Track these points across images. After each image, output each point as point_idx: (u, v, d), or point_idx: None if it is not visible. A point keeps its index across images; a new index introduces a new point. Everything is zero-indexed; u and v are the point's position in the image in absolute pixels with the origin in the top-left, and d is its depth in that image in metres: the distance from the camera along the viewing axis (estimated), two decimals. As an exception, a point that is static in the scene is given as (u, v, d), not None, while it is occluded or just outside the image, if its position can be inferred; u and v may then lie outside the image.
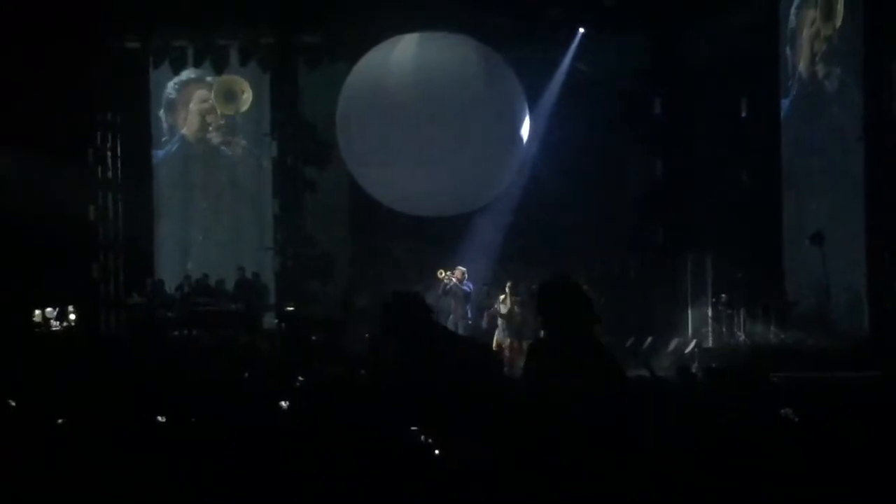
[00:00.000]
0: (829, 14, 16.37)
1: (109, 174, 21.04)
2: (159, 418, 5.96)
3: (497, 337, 16.51)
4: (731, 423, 4.50)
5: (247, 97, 22.06)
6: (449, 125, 19.37)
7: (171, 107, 22.09)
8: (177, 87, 22.01)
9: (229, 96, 22.11)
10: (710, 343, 16.98)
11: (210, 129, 22.20)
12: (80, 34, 19.27)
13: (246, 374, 9.03)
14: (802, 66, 17.15)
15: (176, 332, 19.13)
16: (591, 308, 4.98)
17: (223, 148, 22.27)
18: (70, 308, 18.44)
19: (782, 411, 4.84)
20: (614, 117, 20.71)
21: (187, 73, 21.91)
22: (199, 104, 22.07)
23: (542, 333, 5.07)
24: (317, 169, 21.85)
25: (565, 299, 4.94)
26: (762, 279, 17.55)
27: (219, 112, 22.15)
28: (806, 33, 16.96)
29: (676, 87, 19.97)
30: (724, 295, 17.49)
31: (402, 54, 19.89)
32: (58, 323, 18.44)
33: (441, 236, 20.39)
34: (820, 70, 16.74)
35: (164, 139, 22.13)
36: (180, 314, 19.64)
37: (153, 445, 5.30)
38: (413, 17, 19.84)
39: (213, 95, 22.04)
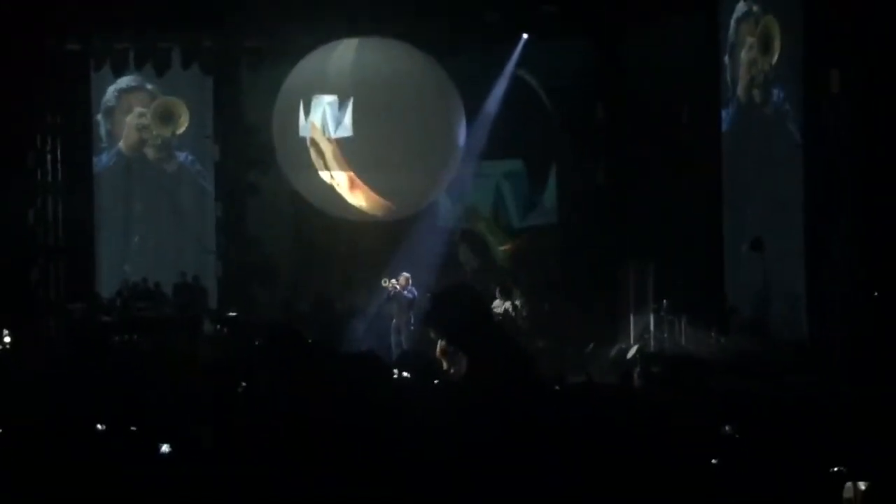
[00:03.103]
0: (766, 48, 16.54)
1: (49, 178, 20.80)
2: (99, 426, 5.90)
3: (441, 343, 16.51)
4: (671, 435, 4.54)
5: (183, 120, 21.96)
6: (385, 131, 19.33)
7: (110, 113, 21.88)
8: (116, 94, 21.81)
9: (166, 118, 22.00)
10: (651, 349, 17.09)
11: (147, 145, 22.08)
12: (19, 36, 19.05)
13: (188, 380, 8.95)
14: (740, 89, 17.34)
15: (117, 338, 18.93)
16: (486, 316, 4.61)
17: (161, 165, 22.15)
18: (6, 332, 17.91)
19: (723, 428, 4.87)
20: (556, 123, 20.85)
21: (127, 80, 21.71)
22: (136, 119, 21.91)
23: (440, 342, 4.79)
24: (259, 173, 21.75)
25: (458, 308, 4.57)
26: (703, 286, 17.72)
27: (154, 133, 22.04)
28: (744, 55, 17.12)
29: (618, 93, 20.08)
30: (665, 301, 17.63)
31: (340, 59, 19.83)
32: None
33: (385, 242, 20.38)
34: (757, 95, 16.94)
35: (102, 145, 21.94)
36: (121, 319, 19.45)
37: (93, 454, 5.25)
38: (355, 22, 19.80)
39: (149, 115, 21.88)
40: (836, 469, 4.41)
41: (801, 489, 4.28)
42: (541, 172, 21.37)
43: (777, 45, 16.26)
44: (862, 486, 4.07)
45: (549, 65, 20.63)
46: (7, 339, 17.60)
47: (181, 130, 22.09)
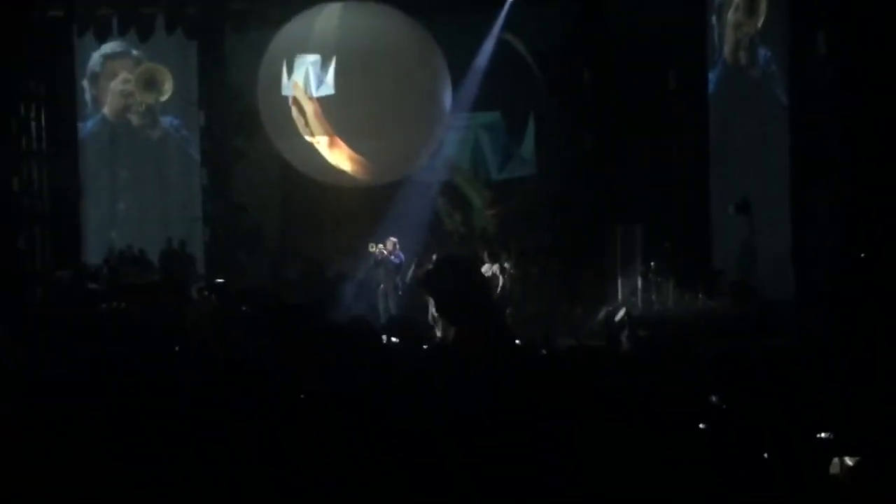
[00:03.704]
0: (752, 11, 16.51)
1: (34, 145, 20.71)
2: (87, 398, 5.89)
3: (432, 310, 16.52)
4: (657, 400, 4.55)
5: (167, 87, 21.86)
6: (367, 91, 19.26)
7: (95, 79, 21.79)
8: (101, 60, 21.70)
9: (150, 84, 21.88)
10: (639, 311, 17.16)
11: (131, 111, 21.99)
12: (0, 2, 18.91)
13: (177, 348, 8.94)
14: (727, 51, 17.32)
15: (104, 305, 18.90)
16: (485, 289, 4.56)
17: (145, 131, 22.07)
18: None
19: (710, 393, 4.89)
20: (542, 86, 20.81)
21: (112, 46, 21.59)
22: (120, 85, 21.80)
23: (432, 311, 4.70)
24: (245, 138, 21.69)
25: (459, 278, 4.54)
26: (690, 248, 17.77)
27: (138, 99, 21.94)
28: (731, 17, 17.08)
29: (605, 57, 20.04)
30: (653, 264, 17.70)
31: (324, 22, 19.75)
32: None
33: (371, 205, 20.36)
34: (743, 57, 16.92)
35: (88, 111, 21.84)
36: (108, 286, 19.42)
37: (84, 423, 5.25)
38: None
39: (133, 82, 21.77)
40: (823, 435, 4.43)
41: (788, 455, 4.31)
42: (519, 124, 21.38)
43: (763, 7, 16.23)
44: (849, 461, 4.09)
45: (535, 28, 20.58)
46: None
47: (165, 98, 22.00)
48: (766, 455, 4.24)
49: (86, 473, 4.65)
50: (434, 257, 15.54)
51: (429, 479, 4.07)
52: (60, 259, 20.56)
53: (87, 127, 21.81)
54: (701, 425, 4.51)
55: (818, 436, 4.47)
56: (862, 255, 14.02)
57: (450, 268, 4.62)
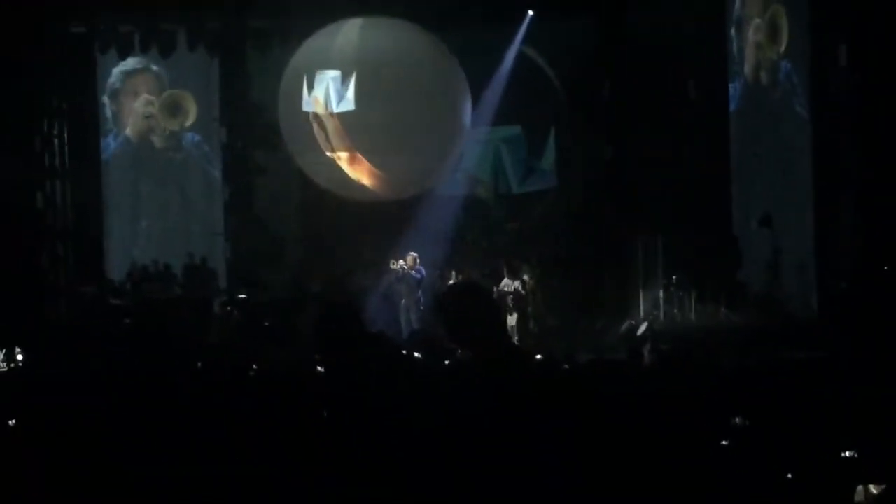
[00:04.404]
0: (774, 36, 16.47)
1: (57, 161, 20.82)
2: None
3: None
4: (679, 417, 4.53)
5: (192, 113, 21.92)
6: (388, 107, 19.28)
7: (115, 96, 21.84)
8: (121, 76, 21.76)
9: (174, 110, 21.94)
10: (661, 325, 17.11)
11: (154, 133, 22.05)
12: (23, 19, 19.02)
13: (199, 364, 8.95)
14: (748, 69, 17.29)
15: (127, 321, 18.97)
16: (496, 315, 4.56)
17: (168, 153, 22.13)
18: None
19: (733, 420, 4.86)
20: (564, 100, 20.81)
21: (132, 62, 21.65)
22: (143, 107, 21.85)
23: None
24: (267, 154, 21.74)
25: (469, 305, 4.46)
26: (713, 261, 17.70)
27: (161, 124, 22.02)
28: (751, 36, 17.04)
29: (625, 70, 20.01)
30: (675, 277, 17.64)
31: (345, 37, 19.80)
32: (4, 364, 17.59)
33: (393, 221, 20.36)
34: (764, 78, 16.88)
35: (108, 127, 21.92)
36: (130, 302, 19.50)
37: (105, 438, 5.27)
38: (361, 1, 19.77)
39: (157, 108, 21.84)
40: (847, 454, 4.40)
41: (811, 473, 4.28)
42: (539, 137, 21.41)
43: (785, 33, 16.18)
44: (874, 489, 4.03)
45: (554, 41, 20.59)
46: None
47: (189, 122, 22.08)
48: (789, 475, 4.20)
49: (92, 478, 4.70)
50: (452, 275, 15.55)
51: (435, 496, 4.07)
52: (83, 274, 20.65)
53: (109, 147, 21.88)
54: (724, 441, 4.49)
55: (843, 454, 4.44)
56: (885, 267, 13.96)
57: (459, 294, 4.61)
